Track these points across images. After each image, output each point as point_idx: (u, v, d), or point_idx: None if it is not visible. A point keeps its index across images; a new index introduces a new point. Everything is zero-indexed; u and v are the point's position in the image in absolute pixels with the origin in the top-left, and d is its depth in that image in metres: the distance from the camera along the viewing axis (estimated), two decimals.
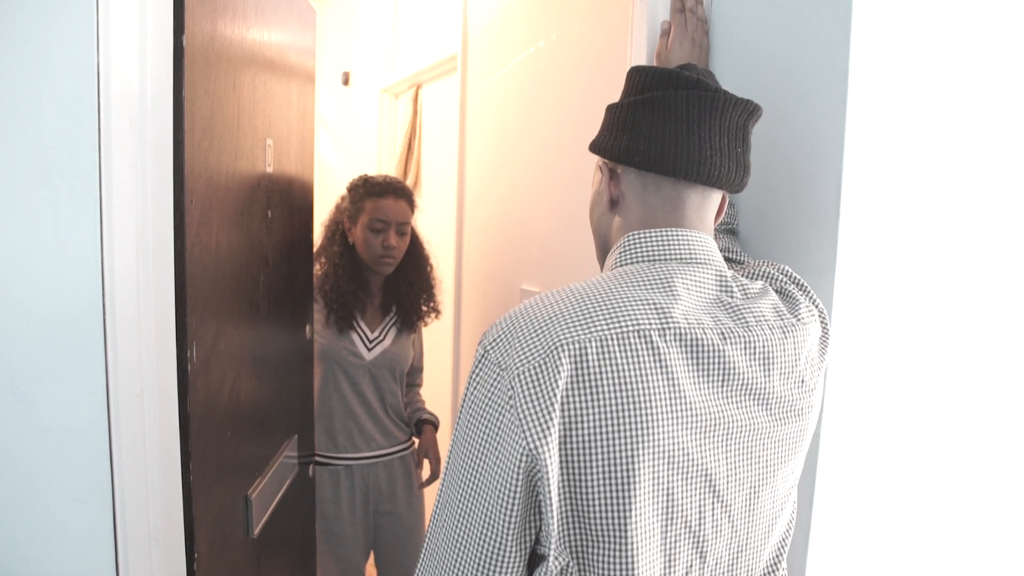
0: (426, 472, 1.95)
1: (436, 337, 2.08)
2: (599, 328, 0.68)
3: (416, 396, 2.06)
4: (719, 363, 0.72)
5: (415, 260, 1.91)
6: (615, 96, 0.84)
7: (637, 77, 0.83)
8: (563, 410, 0.66)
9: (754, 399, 0.74)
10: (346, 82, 3.19)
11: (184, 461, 0.94)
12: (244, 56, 1.18)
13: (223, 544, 1.10)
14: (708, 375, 0.71)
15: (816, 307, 0.84)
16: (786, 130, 1.03)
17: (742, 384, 0.73)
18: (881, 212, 0.99)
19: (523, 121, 1.82)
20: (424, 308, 1.93)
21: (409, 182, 2.66)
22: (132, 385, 0.83)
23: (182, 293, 0.93)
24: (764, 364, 0.75)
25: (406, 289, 1.88)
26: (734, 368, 0.72)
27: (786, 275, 0.87)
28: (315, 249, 1.86)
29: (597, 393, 0.67)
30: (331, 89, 3.36)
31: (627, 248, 0.80)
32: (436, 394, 2.21)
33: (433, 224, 1.97)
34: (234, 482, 1.17)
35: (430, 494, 2.05)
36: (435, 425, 1.99)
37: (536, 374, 0.67)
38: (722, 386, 0.72)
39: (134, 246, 0.83)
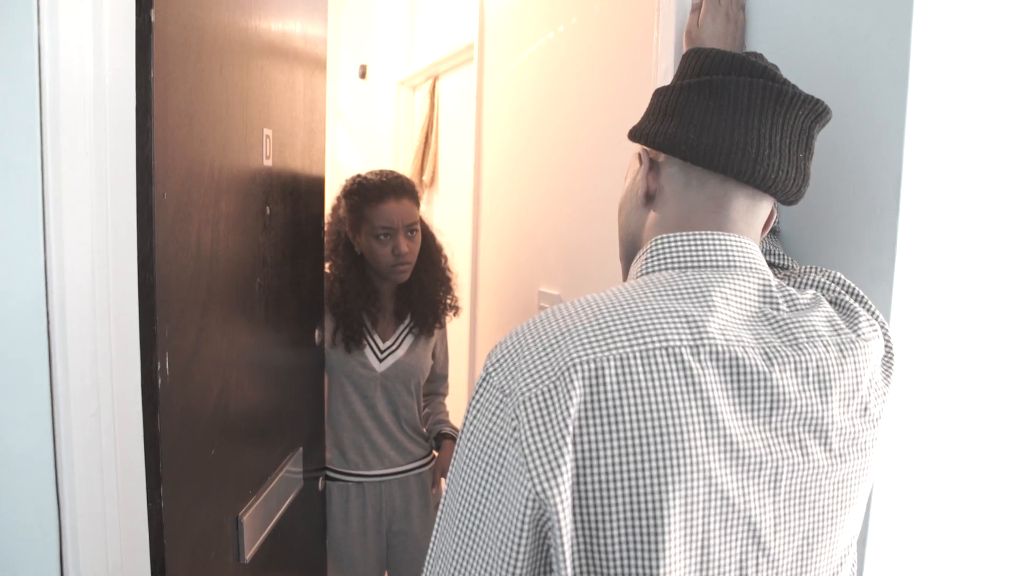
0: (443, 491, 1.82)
1: (450, 343, 1.96)
2: (619, 344, 0.57)
3: (439, 406, 1.91)
4: (765, 388, 0.60)
5: (427, 255, 1.76)
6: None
7: (694, 58, 0.72)
8: (576, 444, 0.55)
9: (809, 431, 0.62)
10: (363, 75, 3.10)
11: (152, 484, 0.84)
12: (235, 37, 1.08)
13: (205, 572, 1.01)
14: (752, 403, 0.59)
15: (878, 321, 0.71)
16: (836, 115, 0.89)
17: (794, 413, 0.61)
18: (947, 207, 0.85)
19: (542, 111, 1.70)
20: (441, 307, 1.78)
21: (426, 178, 2.56)
22: (86, 403, 0.73)
23: (150, 298, 0.83)
24: (820, 389, 0.62)
25: (419, 290, 1.74)
26: (784, 394, 0.60)
27: (839, 283, 0.75)
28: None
29: (616, 423, 0.55)
30: (349, 83, 3.28)
31: (656, 252, 0.68)
32: (449, 405, 2.09)
33: (449, 221, 1.85)
34: (220, 503, 1.07)
35: None
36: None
37: (544, 401, 0.56)
38: (769, 416, 0.60)
39: (88, 245, 0.73)
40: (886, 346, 0.70)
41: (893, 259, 0.86)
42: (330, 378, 1.69)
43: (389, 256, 1.62)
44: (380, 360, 1.69)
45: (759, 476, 0.59)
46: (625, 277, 0.80)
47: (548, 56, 1.66)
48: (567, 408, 0.55)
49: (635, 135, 0.75)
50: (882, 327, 0.71)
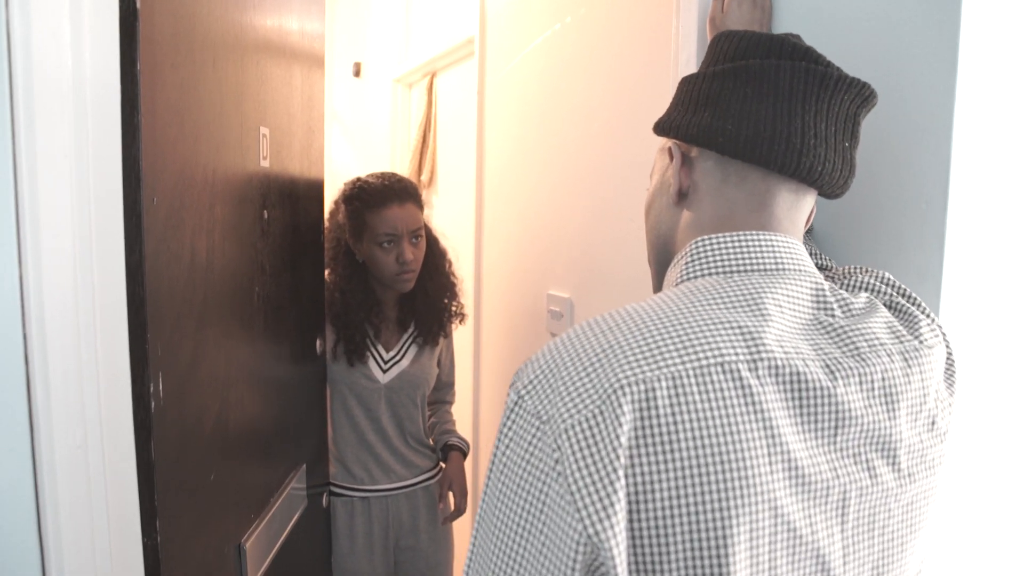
0: (452, 505, 1.71)
1: (455, 349, 1.88)
2: (670, 362, 0.51)
3: (445, 415, 1.83)
4: (829, 406, 0.54)
5: (431, 261, 1.67)
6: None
7: (727, 42, 0.65)
8: (629, 477, 0.49)
9: (876, 450, 0.56)
10: (357, 73, 3.02)
11: (148, 518, 0.77)
12: (228, 30, 1.00)
13: None
14: (816, 422, 0.54)
15: (937, 325, 0.65)
16: (878, 102, 0.83)
17: (861, 432, 0.55)
18: (1000, 202, 0.79)
19: (549, 107, 1.62)
20: (447, 315, 1.70)
21: (424, 178, 2.48)
22: (71, 434, 0.66)
23: (140, 312, 0.75)
24: (887, 404, 0.57)
25: (423, 298, 1.65)
26: (849, 412, 0.55)
27: (890, 284, 0.69)
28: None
29: (672, 451, 0.49)
30: (342, 81, 3.20)
31: (697, 256, 0.62)
32: (455, 413, 2.02)
33: (449, 221, 1.77)
34: (221, 531, 1.00)
35: (459, 527, 1.85)
36: (464, 452, 1.75)
37: (590, 428, 0.49)
38: (834, 435, 0.54)
39: (69, 256, 0.66)
40: (948, 352, 0.64)
41: (941, 258, 0.79)
42: (332, 390, 1.61)
43: (393, 264, 1.54)
44: (384, 371, 1.61)
45: (826, 503, 0.54)
46: (657, 283, 0.73)
47: (555, 49, 1.59)
48: (616, 436, 0.48)
49: (663, 128, 0.69)
50: (942, 331, 0.65)
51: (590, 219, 1.47)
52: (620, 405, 0.49)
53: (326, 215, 1.66)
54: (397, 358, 1.63)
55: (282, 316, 1.28)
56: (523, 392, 0.54)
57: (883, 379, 0.56)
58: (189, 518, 0.89)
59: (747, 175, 0.62)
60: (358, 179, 1.61)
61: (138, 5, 0.72)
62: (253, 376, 1.14)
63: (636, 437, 0.48)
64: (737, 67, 0.62)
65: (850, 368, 0.55)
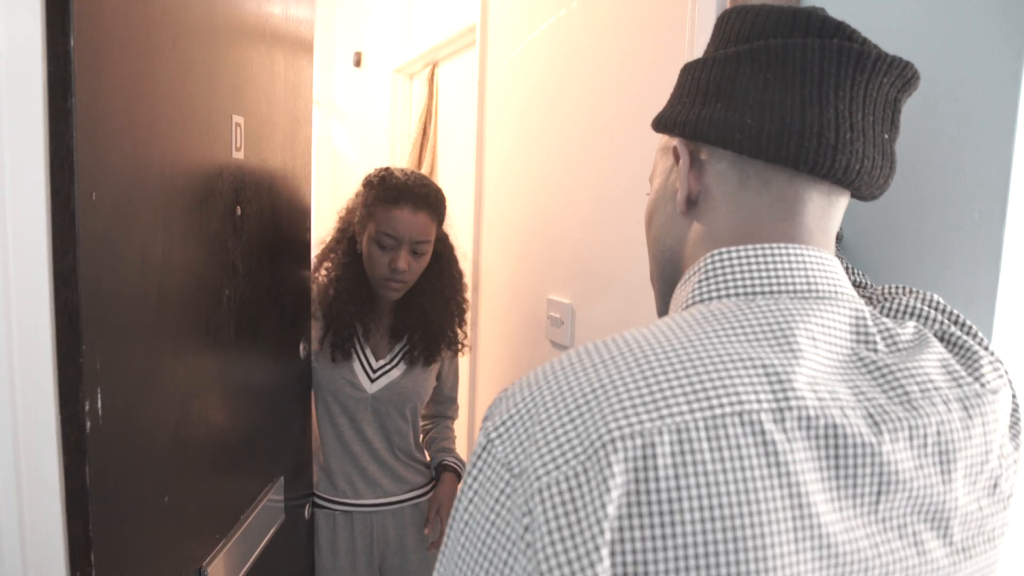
0: (437, 530, 1.57)
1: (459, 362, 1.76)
2: (675, 409, 0.41)
3: (445, 431, 1.69)
4: (872, 467, 0.44)
5: (437, 280, 1.52)
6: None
7: (738, 20, 0.55)
8: (616, 556, 0.39)
9: (926, 521, 0.46)
10: (358, 63, 2.93)
11: (78, 553, 0.68)
12: (193, 10, 0.91)
13: None
14: (855, 487, 0.44)
15: (1000, 363, 0.54)
16: (924, 93, 0.72)
17: (908, 498, 0.45)
18: None
19: (553, 98, 1.52)
20: (444, 340, 1.54)
21: (424, 171, 2.39)
22: None
23: (73, 323, 0.66)
24: (942, 464, 0.47)
25: (419, 315, 1.50)
26: (896, 475, 0.45)
27: (941, 310, 0.58)
28: (322, 249, 1.54)
29: (673, 524, 0.40)
30: (343, 71, 3.10)
31: (712, 272, 0.52)
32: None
33: (448, 218, 1.66)
34: (179, 555, 0.91)
35: None
36: (459, 474, 1.62)
37: (570, 491, 0.40)
38: (877, 504, 0.44)
39: None
40: (1013, 397, 0.54)
41: (996, 277, 0.69)
42: (316, 396, 1.52)
43: (384, 268, 1.42)
44: (372, 380, 1.50)
45: None
46: (662, 305, 0.63)
47: (560, 36, 1.48)
48: (602, 503, 0.39)
49: (664, 124, 0.59)
50: (1006, 372, 0.54)
51: (595, 220, 1.37)
52: (609, 464, 0.39)
53: (325, 209, 1.57)
54: (387, 368, 1.51)
55: (258, 320, 1.19)
56: (493, 435, 0.44)
57: (938, 433, 0.46)
58: (136, 546, 0.80)
59: (770, 178, 0.52)
60: (387, 169, 1.49)
61: None
62: (221, 386, 1.05)
63: (627, 506, 0.39)
64: (755, 48, 0.52)
65: (899, 419, 0.45)
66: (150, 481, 0.83)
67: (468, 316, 1.62)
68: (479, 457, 0.44)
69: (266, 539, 1.25)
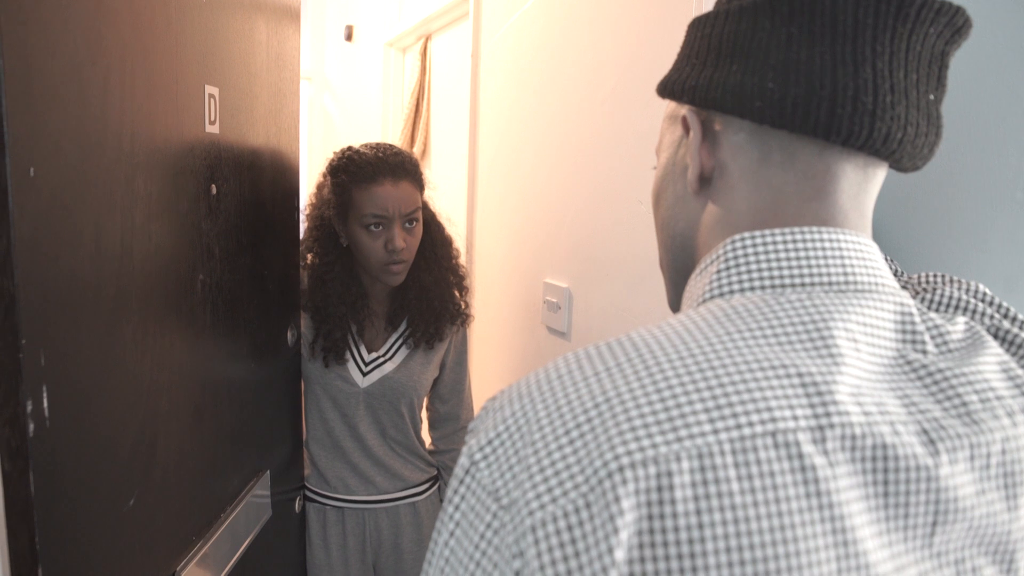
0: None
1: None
2: (695, 430, 0.34)
3: (453, 439, 1.53)
4: (927, 493, 0.37)
5: (430, 250, 1.42)
6: (674, 30, 0.49)
7: None
8: None
9: (986, 554, 0.39)
10: (349, 37, 2.82)
11: (24, 569, 0.61)
12: None
13: None
14: (907, 517, 0.37)
15: None
16: (962, 57, 0.64)
17: (969, 530, 0.38)
18: None
19: (548, 71, 1.43)
20: (447, 315, 1.43)
21: (417, 150, 2.30)
22: None
23: (10, 315, 0.59)
24: (1007, 488, 0.40)
25: (419, 293, 1.40)
26: (955, 501, 0.38)
27: (988, 302, 0.51)
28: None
29: (695, 568, 0.33)
30: (334, 46, 3.00)
31: (734, 261, 0.45)
32: None
33: (443, 198, 1.57)
34: (145, 563, 0.85)
35: None
36: None
37: (570, 529, 0.34)
38: (932, 536, 0.38)
39: None
40: None
41: None
42: (306, 388, 1.44)
43: (381, 252, 1.31)
44: (364, 374, 1.41)
45: None
46: (674, 296, 0.56)
47: (557, 4, 1.39)
48: (608, 546, 0.32)
49: (670, 89, 0.51)
50: None
51: (594, 199, 1.29)
52: (617, 498, 0.32)
53: (312, 188, 1.48)
54: (380, 360, 1.42)
55: (238, 307, 1.12)
56: (478, 456, 0.37)
57: (1003, 451, 0.39)
58: (96, 556, 0.73)
59: (797, 151, 0.45)
60: (348, 148, 1.37)
61: None
62: (196, 379, 0.98)
63: (639, 547, 0.32)
64: None
65: (958, 436, 0.38)
66: (110, 485, 0.76)
67: (469, 281, 1.51)
68: (461, 482, 0.37)
69: (251, 537, 1.19)
